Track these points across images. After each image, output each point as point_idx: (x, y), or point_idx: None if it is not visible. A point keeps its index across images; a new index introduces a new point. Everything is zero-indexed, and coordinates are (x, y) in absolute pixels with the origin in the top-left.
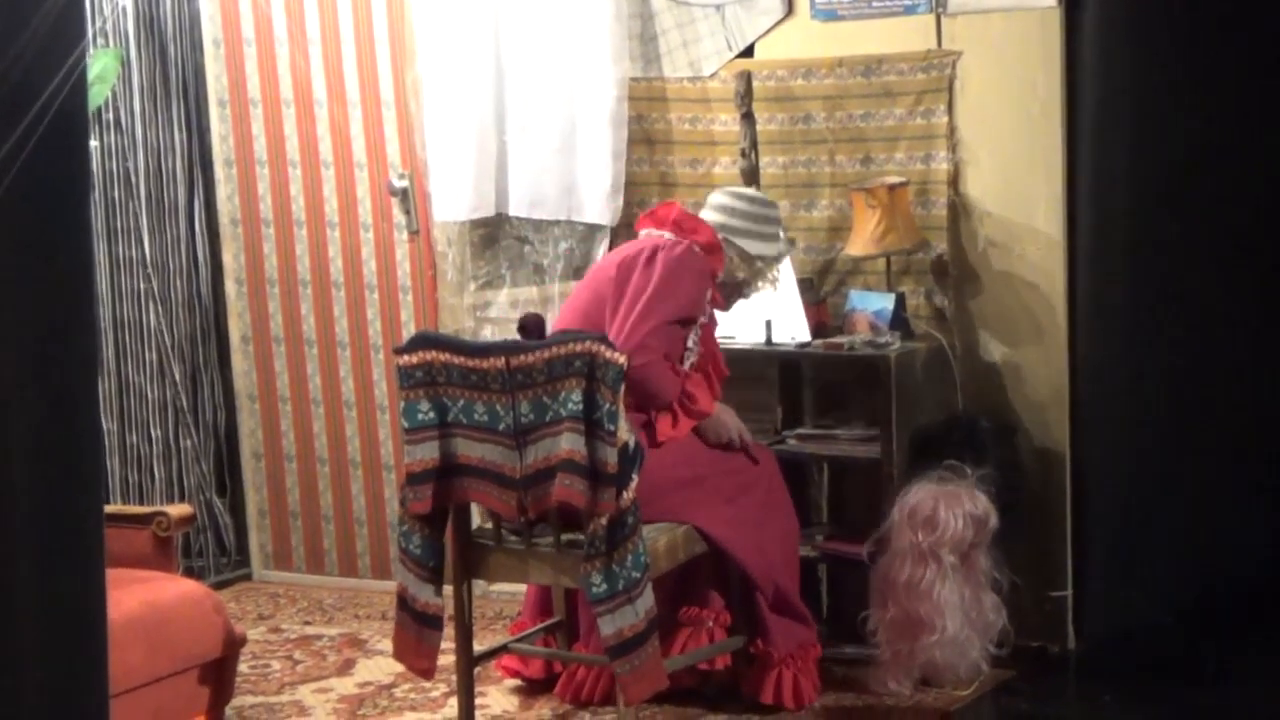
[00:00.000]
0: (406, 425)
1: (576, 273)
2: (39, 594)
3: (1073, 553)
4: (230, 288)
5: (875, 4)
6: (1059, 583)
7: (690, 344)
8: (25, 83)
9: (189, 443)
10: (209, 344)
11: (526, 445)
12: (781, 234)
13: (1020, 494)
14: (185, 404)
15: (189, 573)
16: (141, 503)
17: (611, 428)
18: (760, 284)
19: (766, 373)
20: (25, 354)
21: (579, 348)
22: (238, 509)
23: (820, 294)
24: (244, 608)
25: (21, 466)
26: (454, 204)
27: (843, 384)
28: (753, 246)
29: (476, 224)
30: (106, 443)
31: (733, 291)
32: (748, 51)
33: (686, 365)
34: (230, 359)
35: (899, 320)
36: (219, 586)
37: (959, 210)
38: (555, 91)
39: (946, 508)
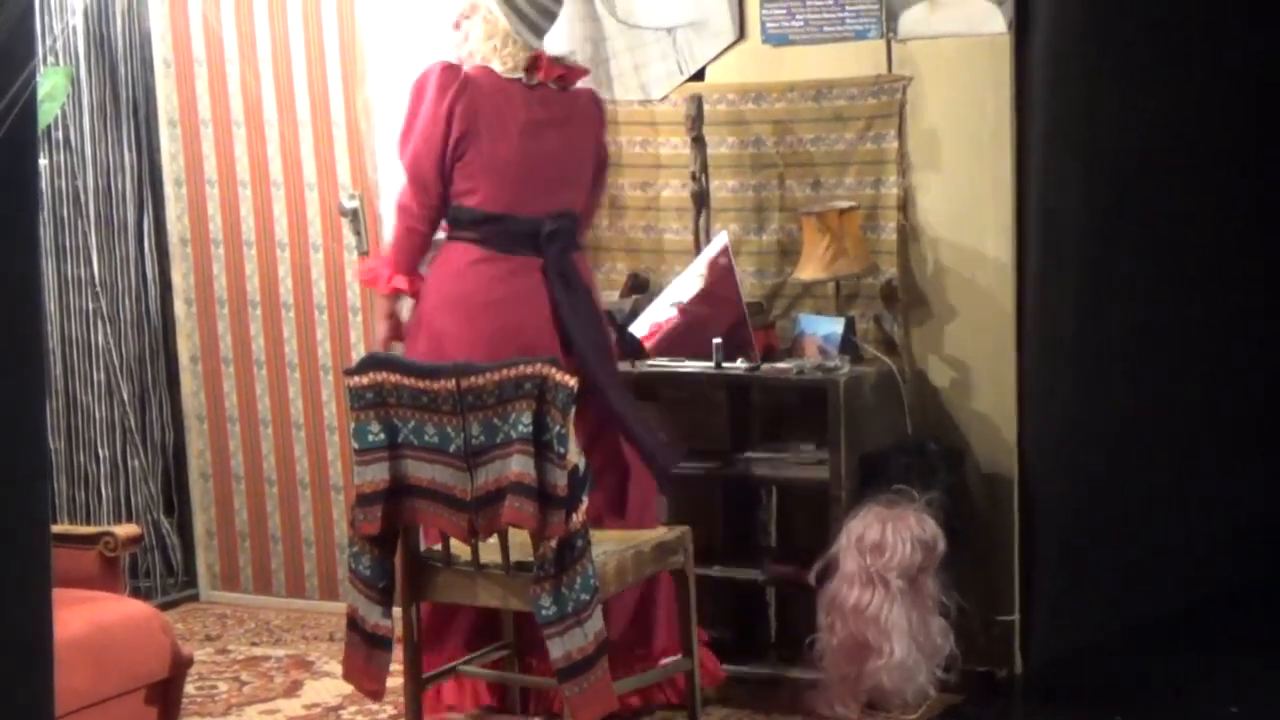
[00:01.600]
0: (357, 446)
1: None
2: None
3: (1020, 577)
4: (179, 307)
5: (826, 29)
6: (1006, 607)
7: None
8: None
9: (137, 463)
10: (158, 364)
11: (477, 467)
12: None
13: (968, 518)
14: (133, 424)
15: (136, 593)
16: (89, 522)
17: (562, 450)
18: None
19: (715, 396)
20: None
21: (529, 370)
22: (185, 529)
23: (769, 318)
24: (191, 628)
25: None
26: None
27: (791, 408)
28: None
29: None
30: (54, 462)
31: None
32: (699, 75)
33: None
34: (179, 379)
35: (848, 344)
36: (166, 607)
37: (909, 235)
38: None
39: (894, 532)
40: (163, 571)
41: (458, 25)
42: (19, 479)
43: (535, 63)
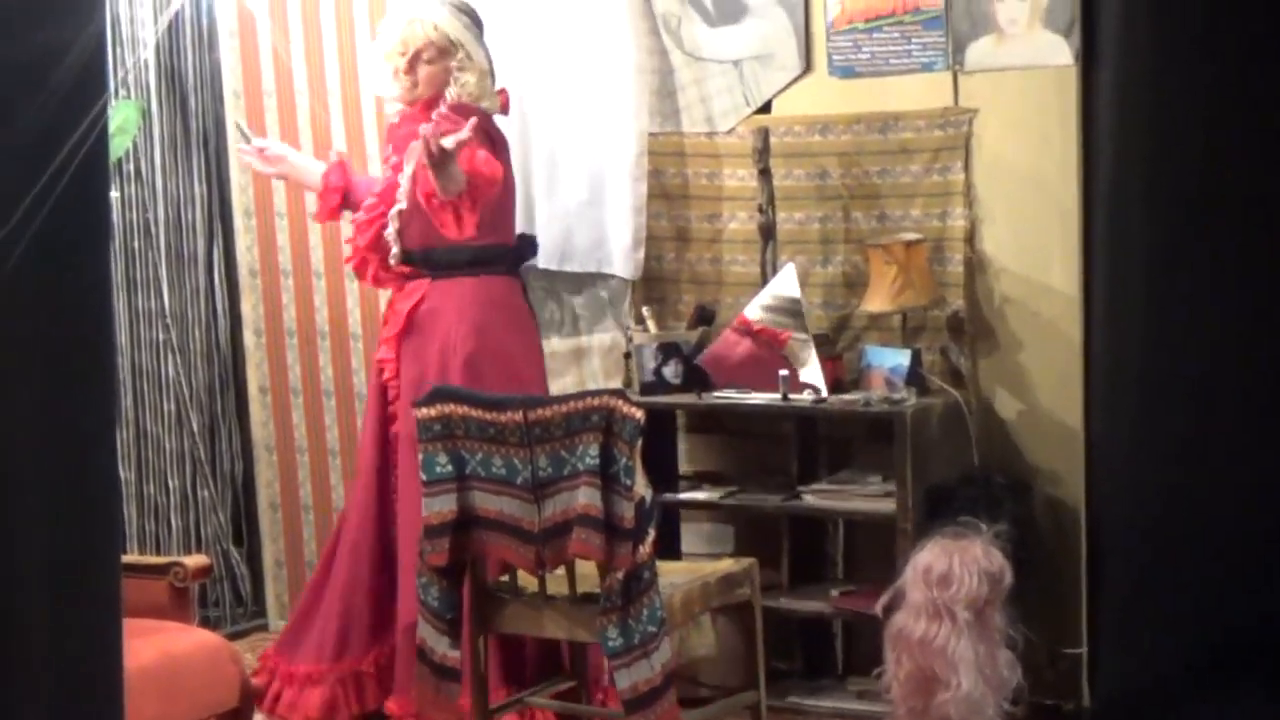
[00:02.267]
0: (425, 478)
1: (608, 325)
2: (55, 645)
3: (1087, 609)
4: (249, 338)
5: (893, 61)
6: (1074, 639)
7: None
8: (47, 136)
9: (206, 493)
10: (227, 394)
11: (544, 499)
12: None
13: (1035, 550)
14: (203, 454)
15: (205, 623)
16: (158, 553)
17: (628, 482)
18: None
19: (782, 428)
20: (43, 405)
21: (596, 402)
22: (254, 559)
23: (836, 349)
24: (260, 656)
25: (39, 517)
26: None
27: (858, 440)
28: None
29: None
30: (124, 492)
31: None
32: (765, 107)
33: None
34: (248, 409)
35: (914, 376)
36: (235, 636)
37: (975, 267)
38: (579, 146)
39: (960, 564)
40: (232, 601)
41: (411, 69)
42: (90, 510)
43: (505, 97)
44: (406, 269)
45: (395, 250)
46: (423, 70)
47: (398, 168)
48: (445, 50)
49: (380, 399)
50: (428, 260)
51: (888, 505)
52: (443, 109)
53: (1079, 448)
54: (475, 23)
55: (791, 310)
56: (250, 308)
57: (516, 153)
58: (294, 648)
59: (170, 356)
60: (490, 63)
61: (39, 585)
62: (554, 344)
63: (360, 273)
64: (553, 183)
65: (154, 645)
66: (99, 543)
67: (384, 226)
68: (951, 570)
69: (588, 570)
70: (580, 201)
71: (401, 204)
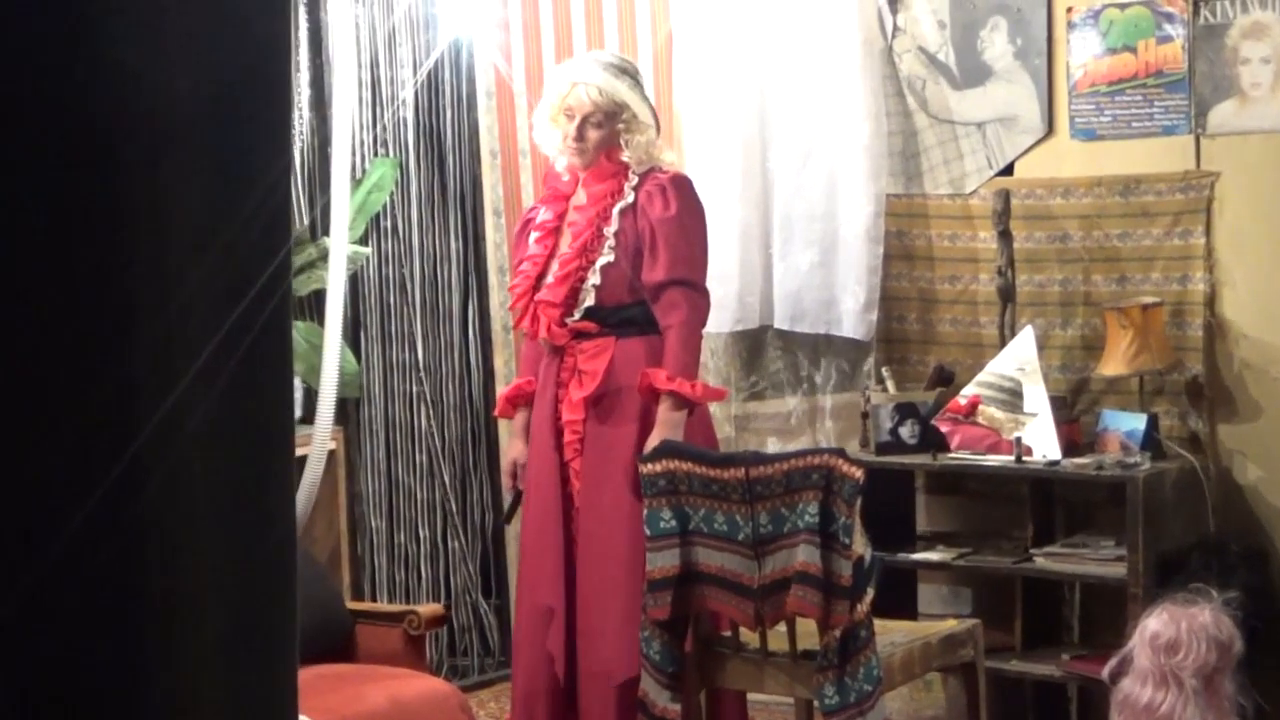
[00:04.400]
0: (649, 533)
1: (845, 385)
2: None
3: None
4: (501, 392)
5: (1135, 124)
6: None
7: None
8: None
9: (456, 544)
10: (479, 448)
11: (765, 555)
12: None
13: (1270, 619)
14: (454, 506)
15: (454, 672)
16: (408, 601)
17: (847, 541)
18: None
19: (1019, 490)
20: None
21: (817, 460)
22: (503, 611)
23: (1074, 413)
24: (503, 707)
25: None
26: (719, 316)
27: (1094, 504)
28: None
29: (743, 335)
30: (374, 541)
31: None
32: (1007, 169)
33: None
34: (499, 462)
35: (1150, 441)
36: (481, 686)
37: (1215, 331)
38: (814, 207)
39: (1189, 631)
40: (480, 652)
41: (582, 135)
42: (261, 561)
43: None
44: (587, 325)
45: (588, 304)
46: (591, 135)
47: (559, 219)
48: (612, 114)
49: (556, 464)
50: (615, 317)
51: (1119, 570)
52: (635, 178)
53: None
54: (636, 80)
55: (1013, 390)
56: (502, 362)
57: (755, 210)
58: None
59: (424, 409)
60: (655, 115)
61: (213, 641)
62: (790, 404)
63: (533, 327)
64: (787, 242)
65: (384, 691)
66: (277, 601)
67: (582, 279)
68: (1179, 637)
69: (809, 627)
70: (812, 263)
71: (609, 257)
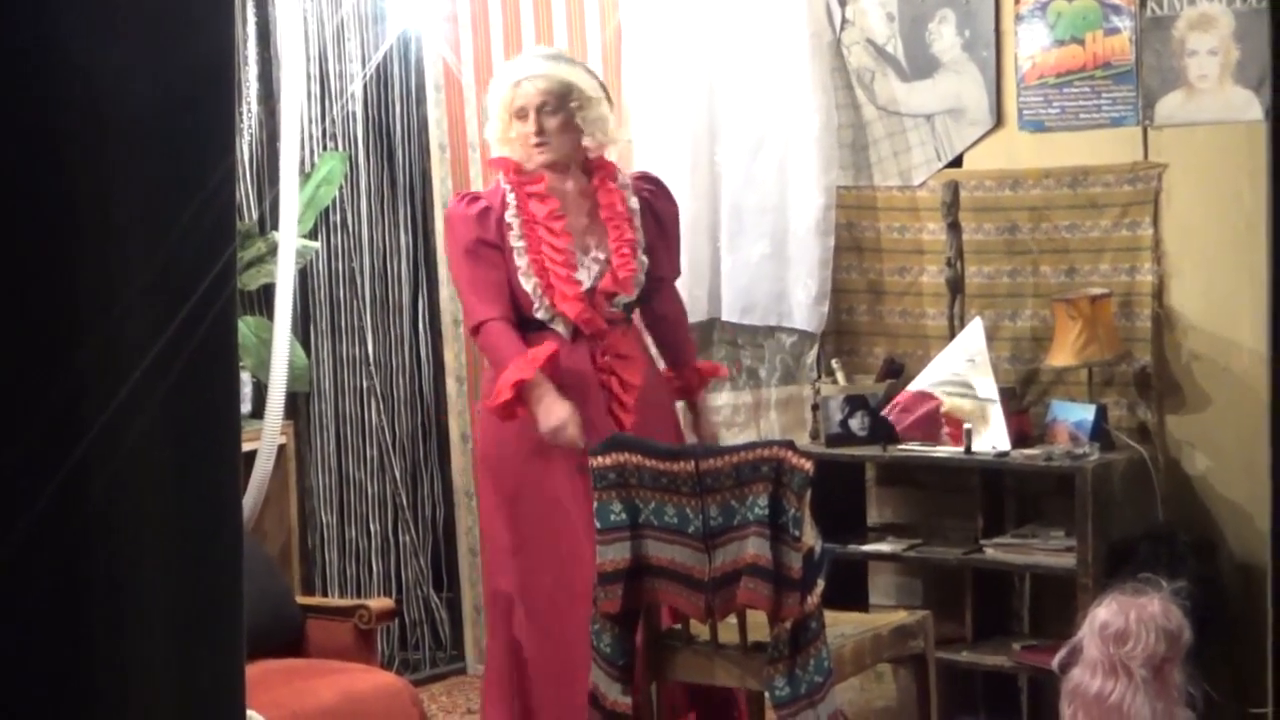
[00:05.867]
0: (599, 525)
1: (790, 378)
2: (179, 686)
3: (1273, 669)
4: (450, 386)
5: (1083, 116)
6: (1260, 699)
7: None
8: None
9: (407, 538)
10: (429, 441)
11: (715, 548)
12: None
13: (1219, 609)
14: (405, 500)
15: (405, 666)
16: (359, 596)
17: (796, 533)
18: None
19: (969, 482)
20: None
21: (766, 453)
22: (455, 604)
23: (1023, 404)
24: (455, 701)
25: (161, 566)
26: None
27: (1043, 495)
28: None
29: (690, 328)
30: (325, 535)
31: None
32: (956, 161)
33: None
34: (449, 456)
35: (1099, 431)
36: (433, 680)
37: (1163, 322)
38: (765, 199)
39: (1138, 620)
40: (432, 645)
41: (541, 129)
42: (209, 555)
43: None
44: (616, 313)
45: (630, 297)
46: (550, 124)
47: (545, 217)
48: (562, 96)
49: None
50: (629, 304)
51: (1069, 560)
52: (624, 178)
53: (1267, 505)
54: (572, 61)
55: (964, 382)
56: (453, 356)
57: (704, 203)
58: None
59: (374, 403)
60: (604, 87)
61: (161, 630)
62: (733, 398)
63: (593, 322)
64: (737, 235)
65: (336, 686)
66: (224, 590)
67: (634, 270)
68: (1128, 627)
69: (760, 619)
70: (763, 255)
71: (642, 250)
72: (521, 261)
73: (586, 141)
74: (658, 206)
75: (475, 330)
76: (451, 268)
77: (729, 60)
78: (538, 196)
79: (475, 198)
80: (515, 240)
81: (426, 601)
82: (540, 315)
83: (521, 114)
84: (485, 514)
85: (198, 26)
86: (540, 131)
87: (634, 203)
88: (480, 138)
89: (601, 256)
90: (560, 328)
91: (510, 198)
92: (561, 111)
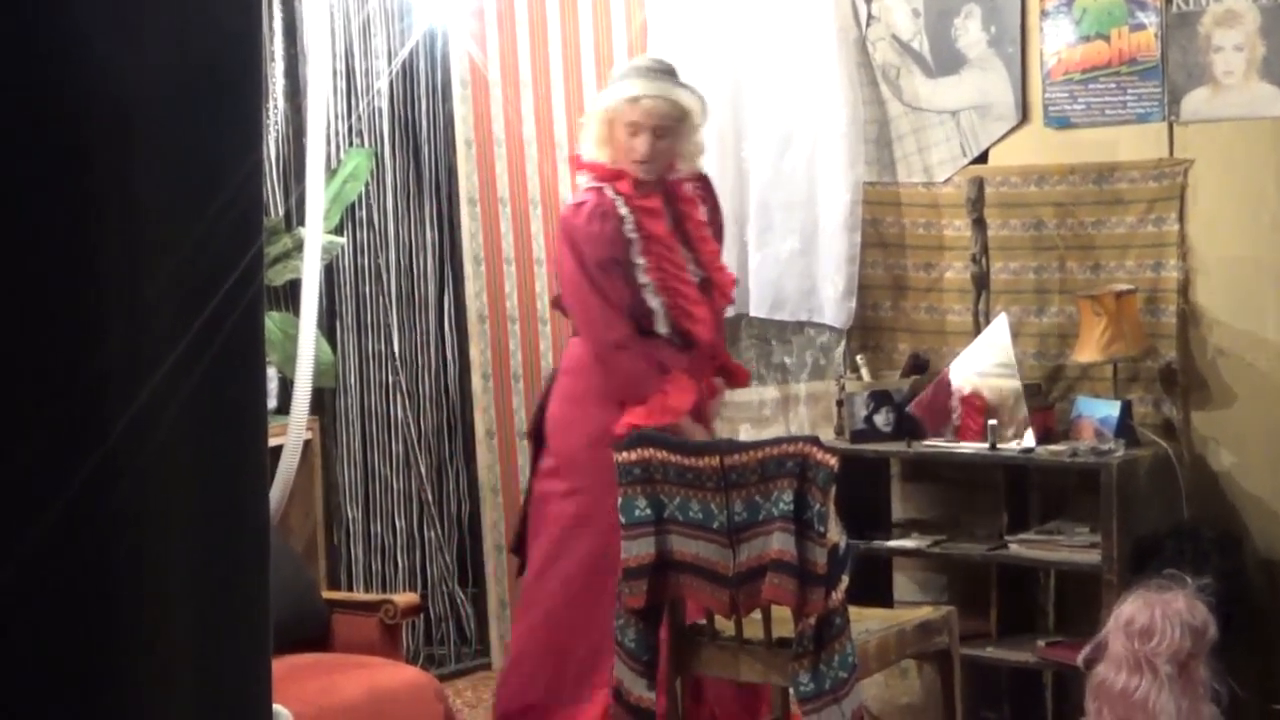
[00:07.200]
0: (624, 521)
1: (819, 373)
2: (200, 669)
3: None
4: (476, 382)
5: (1108, 112)
6: None
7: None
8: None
9: (433, 534)
10: (455, 437)
11: (739, 544)
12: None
13: (1245, 605)
14: (430, 496)
15: (430, 661)
16: (385, 591)
17: (821, 529)
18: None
19: (994, 477)
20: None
21: (791, 449)
22: (480, 600)
23: (1049, 400)
24: (480, 696)
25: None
26: None
27: (1068, 491)
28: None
29: None
30: (351, 531)
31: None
32: (981, 157)
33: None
34: (475, 452)
35: (1124, 427)
36: (458, 675)
37: (1188, 319)
38: (793, 195)
39: (1163, 616)
40: (457, 640)
41: (652, 148)
42: (235, 551)
43: None
44: None
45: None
46: (660, 146)
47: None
48: (679, 120)
49: None
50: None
51: (1094, 556)
52: (690, 187)
53: None
54: (679, 78)
55: (999, 373)
56: (478, 352)
57: (732, 200)
58: None
59: (399, 399)
60: (703, 103)
61: (188, 625)
62: (763, 393)
63: (719, 343)
64: (765, 231)
65: (361, 681)
66: (250, 586)
67: (734, 284)
68: (1153, 623)
69: (784, 615)
70: (792, 250)
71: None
72: (645, 279)
73: (681, 165)
74: (716, 212)
75: (613, 346)
76: (574, 278)
77: (755, 57)
78: (651, 213)
79: (601, 212)
80: (637, 257)
81: (452, 597)
82: (660, 330)
83: (635, 129)
84: (587, 500)
85: (222, 23)
86: (650, 150)
87: (703, 212)
88: (504, 133)
89: (696, 269)
90: (672, 335)
91: (624, 210)
92: (672, 136)
